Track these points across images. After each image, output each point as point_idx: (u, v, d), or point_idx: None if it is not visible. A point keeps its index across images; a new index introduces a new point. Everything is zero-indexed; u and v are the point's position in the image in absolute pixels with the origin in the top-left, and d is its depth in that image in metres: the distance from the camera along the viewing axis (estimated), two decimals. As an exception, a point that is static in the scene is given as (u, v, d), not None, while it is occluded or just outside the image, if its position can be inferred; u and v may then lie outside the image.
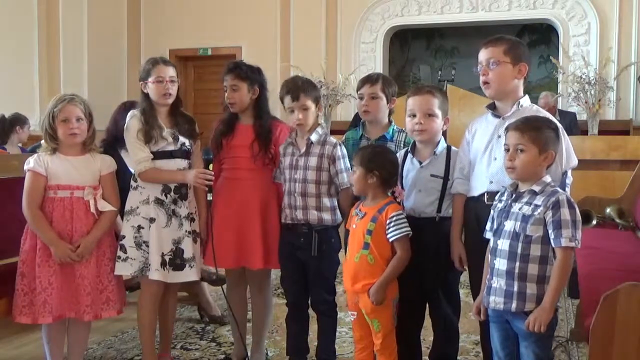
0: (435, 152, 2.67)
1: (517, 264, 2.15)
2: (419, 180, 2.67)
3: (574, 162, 2.46)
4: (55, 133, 2.72)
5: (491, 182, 2.47)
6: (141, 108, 2.86)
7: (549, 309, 2.10)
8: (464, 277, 2.74)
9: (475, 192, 2.53)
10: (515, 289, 2.15)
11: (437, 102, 2.63)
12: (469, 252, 2.57)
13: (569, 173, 2.48)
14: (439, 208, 2.64)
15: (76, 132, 2.72)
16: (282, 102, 2.82)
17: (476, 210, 2.52)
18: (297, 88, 2.76)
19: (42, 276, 2.69)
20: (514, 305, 2.15)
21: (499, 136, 2.47)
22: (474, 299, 2.61)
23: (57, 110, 2.70)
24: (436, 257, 2.62)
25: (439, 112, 2.63)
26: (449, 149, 2.70)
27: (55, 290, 2.69)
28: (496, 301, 2.21)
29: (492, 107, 2.58)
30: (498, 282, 2.20)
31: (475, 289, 2.59)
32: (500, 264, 2.20)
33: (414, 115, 2.63)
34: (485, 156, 2.52)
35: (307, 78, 2.94)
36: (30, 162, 2.73)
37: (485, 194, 2.48)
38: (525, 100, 2.52)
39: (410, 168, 2.71)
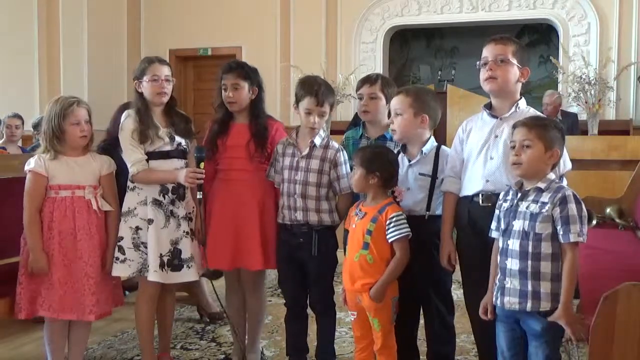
0: (422, 150, 2.68)
1: (530, 262, 2.15)
2: (408, 178, 2.69)
3: (569, 166, 2.48)
4: (62, 135, 2.73)
5: (487, 181, 2.47)
6: (136, 107, 2.85)
7: (568, 310, 2.10)
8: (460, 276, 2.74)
9: (469, 192, 2.53)
10: (530, 288, 2.15)
11: (408, 101, 2.65)
12: (462, 253, 2.58)
13: (564, 177, 2.50)
14: (428, 206, 2.65)
15: (85, 134, 2.77)
16: (298, 100, 2.78)
17: (470, 211, 2.52)
18: (322, 94, 2.72)
19: (42, 274, 2.68)
20: (529, 305, 2.15)
21: (496, 136, 2.49)
22: (466, 299, 2.62)
23: (69, 112, 2.72)
24: (427, 255, 2.62)
25: (408, 110, 2.64)
26: (438, 147, 2.72)
27: (55, 288, 2.69)
28: (511, 302, 2.20)
29: (488, 107, 2.59)
30: (511, 283, 2.20)
31: (468, 289, 2.60)
32: (512, 264, 2.19)
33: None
34: (481, 155, 2.51)
35: (326, 81, 2.89)
36: (31, 163, 2.74)
37: (481, 195, 2.48)
38: (523, 103, 2.54)
39: (401, 166, 2.72)
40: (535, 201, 2.18)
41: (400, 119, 2.67)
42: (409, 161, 2.70)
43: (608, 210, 4.29)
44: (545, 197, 2.16)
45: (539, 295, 2.15)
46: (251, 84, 2.90)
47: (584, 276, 2.90)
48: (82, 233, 2.74)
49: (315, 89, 2.73)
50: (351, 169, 2.75)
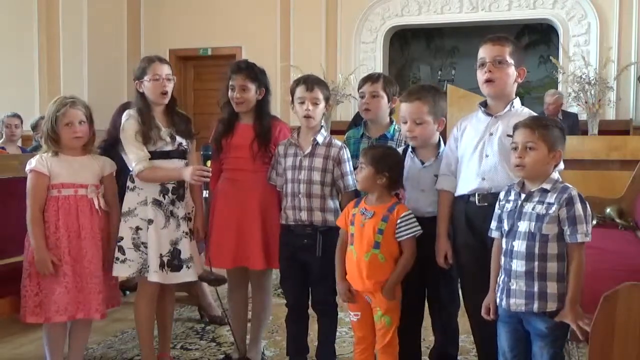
0: (439, 152, 2.69)
1: (536, 263, 2.15)
2: (421, 180, 2.67)
3: (561, 166, 2.46)
4: (57, 136, 2.73)
5: (483, 179, 2.47)
6: (137, 108, 2.84)
7: (575, 308, 2.11)
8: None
9: (465, 190, 2.52)
10: (536, 289, 2.15)
11: (426, 108, 2.62)
12: (460, 252, 2.57)
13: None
14: None
15: (79, 135, 2.75)
16: (292, 95, 2.81)
17: (467, 212, 2.51)
18: (312, 80, 2.78)
19: (50, 276, 2.68)
20: (536, 306, 2.15)
21: (491, 134, 2.49)
22: (464, 299, 2.62)
23: (61, 114, 2.71)
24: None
25: (429, 118, 2.63)
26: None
27: (64, 290, 2.69)
28: (517, 303, 2.19)
29: (484, 105, 2.59)
30: (517, 284, 2.19)
31: (468, 289, 2.60)
32: (518, 265, 2.18)
33: (406, 122, 2.66)
34: (476, 154, 2.51)
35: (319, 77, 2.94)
36: (33, 162, 2.74)
37: (477, 195, 2.48)
38: (517, 102, 2.55)
39: (411, 166, 2.71)
40: (540, 202, 2.17)
41: (422, 128, 2.63)
42: (422, 163, 2.69)
43: (608, 210, 4.29)
44: (550, 198, 2.16)
45: (546, 296, 2.14)
46: (259, 86, 2.91)
47: (584, 276, 2.91)
48: (86, 232, 2.74)
49: (304, 78, 2.79)
50: (354, 167, 2.75)
